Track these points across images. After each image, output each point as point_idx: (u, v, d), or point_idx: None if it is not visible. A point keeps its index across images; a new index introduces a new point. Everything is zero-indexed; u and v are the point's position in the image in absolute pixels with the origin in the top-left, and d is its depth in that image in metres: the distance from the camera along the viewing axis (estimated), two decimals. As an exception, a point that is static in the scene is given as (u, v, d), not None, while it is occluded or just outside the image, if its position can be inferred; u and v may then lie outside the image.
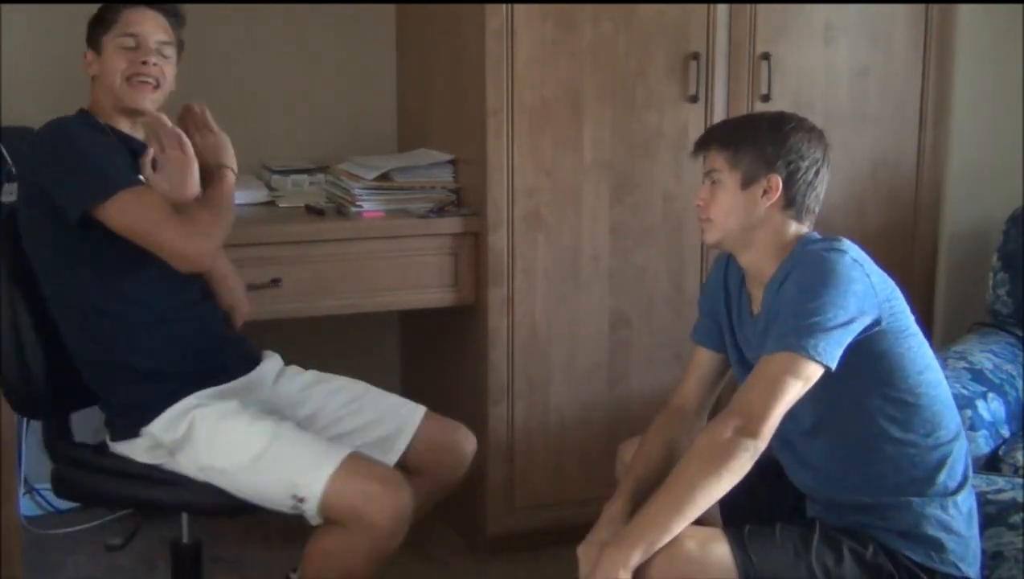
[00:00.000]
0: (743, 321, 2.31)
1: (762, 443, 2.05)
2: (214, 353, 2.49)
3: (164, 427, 2.35)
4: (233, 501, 2.33)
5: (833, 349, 2.07)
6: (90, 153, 2.33)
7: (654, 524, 2.04)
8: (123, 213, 2.30)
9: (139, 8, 2.46)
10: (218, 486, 2.32)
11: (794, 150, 2.21)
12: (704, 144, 2.28)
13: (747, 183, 2.21)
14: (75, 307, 2.40)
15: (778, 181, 2.20)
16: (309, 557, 2.33)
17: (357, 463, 2.28)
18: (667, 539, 2.03)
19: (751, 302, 2.29)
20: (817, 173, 2.24)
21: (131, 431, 2.39)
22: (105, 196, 2.28)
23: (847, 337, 2.09)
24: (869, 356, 2.14)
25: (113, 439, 2.43)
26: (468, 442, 2.60)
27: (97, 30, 2.46)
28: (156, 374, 2.39)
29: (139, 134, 2.49)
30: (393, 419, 2.54)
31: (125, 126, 2.48)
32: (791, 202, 2.22)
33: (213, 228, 2.40)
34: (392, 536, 2.26)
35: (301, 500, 2.25)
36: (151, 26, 2.46)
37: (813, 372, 2.06)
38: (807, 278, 2.12)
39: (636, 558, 2.02)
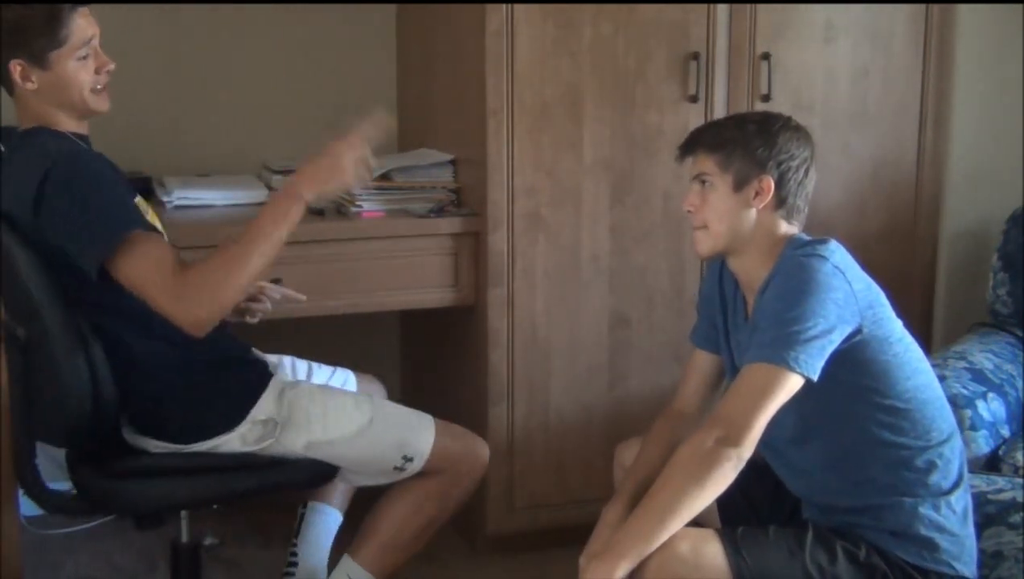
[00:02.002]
0: (738, 326, 2.31)
1: (745, 453, 2.04)
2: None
3: (272, 404, 2.39)
4: (326, 471, 2.46)
5: (814, 360, 2.06)
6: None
7: (639, 536, 2.03)
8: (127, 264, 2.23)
9: (77, 11, 2.33)
10: (322, 459, 2.42)
11: (784, 150, 2.21)
12: (690, 147, 2.27)
13: (739, 185, 2.20)
14: (143, 314, 2.31)
15: (770, 182, 2.20)
16: (390, 510, 2.50)
17: (443, 424, 2.52)
18: (652, 550, 2.03)
19: (746, 307, 2.29)
20: (807, 172, 2.24)
21: (232, 422, 2.38)
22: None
23: (828, 347, 2.07)
24: (854, 365, 2.13)
25: (193, 441, 2.39)
26: (482, 450, 2.59)
27: (37, 46, 2.30)
28: (242, 359, 2.44)
29: (85, 130, 2.42)
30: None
31: (75, 126, 2.40)
32: (782, 202, 2.22)
33: (218, 291, 2.23)
34: (476, 482, 2.55)
35: (410, 459, 2.45)
36: (92, 27, 2.36)
37: (794, 383, 2.06)
38: (786, 286, 2.12)
39: (621, 572, 2.01)
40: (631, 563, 2.02)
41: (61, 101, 2.36)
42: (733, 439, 2.03)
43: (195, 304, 2.22)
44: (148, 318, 2.28)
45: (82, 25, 2.33)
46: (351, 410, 2.45)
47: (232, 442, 2.39)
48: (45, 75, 2.33)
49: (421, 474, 2.48)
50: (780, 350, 2.05)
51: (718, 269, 2.38)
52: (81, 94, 2.36)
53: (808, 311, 2.07)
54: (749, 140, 2.21)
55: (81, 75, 2.34)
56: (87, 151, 2.34)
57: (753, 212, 2.21)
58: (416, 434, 2.47)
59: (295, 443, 2.40)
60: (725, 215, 2.21)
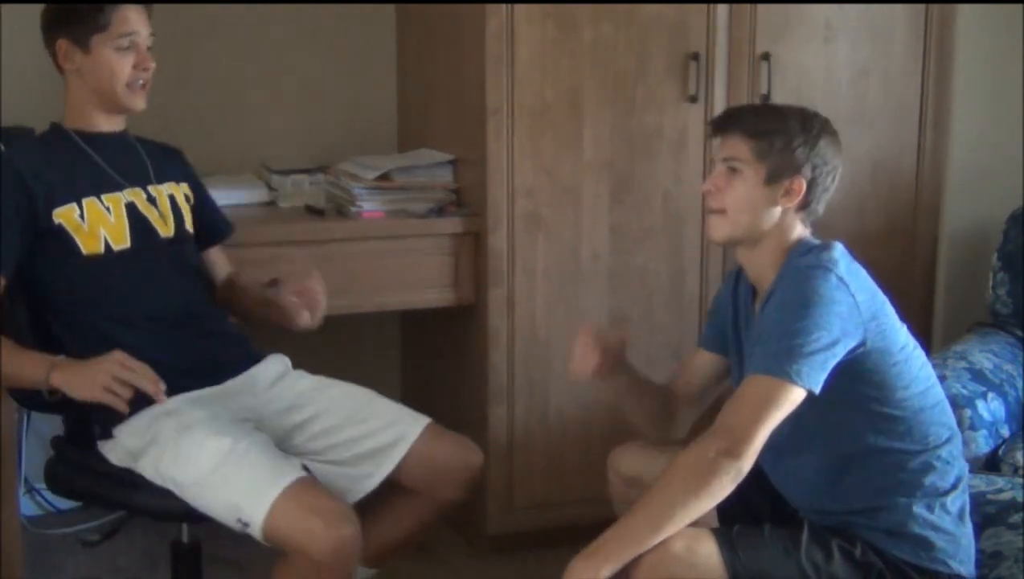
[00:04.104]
0: (749, 336, 2.29)
1: (745, 465, 2.03)
2: (205, 352, 2.47)
3: (132, 431, 2.33)
4: (188, 508, 2.30)
5: (816, 373, 2.05)
6: None
7: (629, 539, 2.03)
8: None
9: (126, 5, 2.42)
10: (179, 496, 2.29)
11: (821, 155, 2.18)
12: (727, 127, 2.21)
13: (772, 179, 2.17)
14: (51, 300, 2.40)
15: (802, 184, 2.17)
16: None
17: (303, 492, 2.20)
18: (639, 553, 2.02)
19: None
20: (833, 180, 2.23)
21: (106, 432, 2.37)
22: None
23: (831, 360, 2.07)
24: (854, 375, 2.13)
25: (101, 438, 2.40)
26: (470, 458, 2.52)
27: (82, 28, 2.41)
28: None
29: (115, 127, 2.50)
30: (391, 431, 2.47)
31: (103, 123, 2.48)
32: (806, 205, 2.20)
33: None
34: (332, 571, 2.18)
35: (246, 524, 2.21)
36: (141, 24, 2.44)
37: (796, 396, 2.05)
38: (790, 298, 2.10)
39: (605, 573, 2.01)
40: (615, 566, 2.01)
41: (97, 89, 2.44)
42: (734, 452, 2.02)
43: None
44: (88, 318, 2.36)
45: (128, 17, 2.42)
46: (199, 454, 2.26)
47: (114, 452, 2.37)
48: (85, 59, 2.42)
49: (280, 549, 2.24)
50: (783, 363, 2.04)
51: (733, 278, 2.36)
52: (114, 85, 2.43)
53: (811, 324, 2.06)
54: (791, 137, 2.16)
55: (117, 64, 2.42)
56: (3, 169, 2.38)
57: (778, 210, 2.18)
58: (252, 499, 2.20)
59: (153, 472, 2.31)
60: (749, 205, 2.17)
